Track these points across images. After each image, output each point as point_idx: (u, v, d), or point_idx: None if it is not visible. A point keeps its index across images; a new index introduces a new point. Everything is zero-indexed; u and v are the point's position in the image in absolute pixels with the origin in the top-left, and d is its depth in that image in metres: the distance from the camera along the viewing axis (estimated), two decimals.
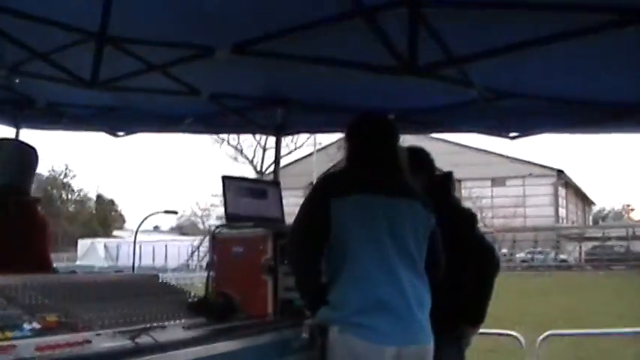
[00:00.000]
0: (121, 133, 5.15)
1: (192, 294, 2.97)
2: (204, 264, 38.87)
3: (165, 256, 41.79)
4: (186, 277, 31.18)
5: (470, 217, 3.48)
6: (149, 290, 2.80)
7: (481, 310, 3.37)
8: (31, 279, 2.44)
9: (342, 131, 5.67)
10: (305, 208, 2.79)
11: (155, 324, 2.28)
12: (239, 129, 6.36)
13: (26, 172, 3.24)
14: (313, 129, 5.57)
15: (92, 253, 41.59)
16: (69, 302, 2.33)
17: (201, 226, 63.15)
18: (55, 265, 3.33)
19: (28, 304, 2.18)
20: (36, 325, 2.00)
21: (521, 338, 5.16)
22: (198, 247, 45.72)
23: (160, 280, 3.06)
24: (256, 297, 3.05)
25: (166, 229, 69.52)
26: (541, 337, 5.17)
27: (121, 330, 2.10)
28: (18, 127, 4.96)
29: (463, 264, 3.23)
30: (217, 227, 3.42)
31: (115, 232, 58.79)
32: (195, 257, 44.16)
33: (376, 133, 2.90)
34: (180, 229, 65.36)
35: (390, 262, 2.63)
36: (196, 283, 29.99)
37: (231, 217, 3.43)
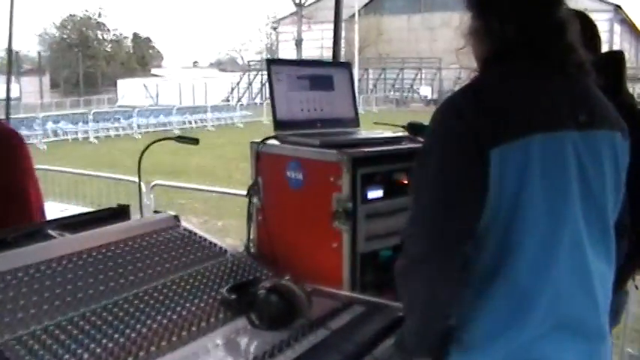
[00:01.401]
0: None
1: (229, 259, 1.99)
2: (244, 101, 38.38)
3: (205, 93, 41.11)
4: (227, 116, 30.41)
5: None
6: (165, 260, 1.82)
7: None
8: None
9: None
10: (438, 175, 1.42)
11: None
12: None
13: None
14: None
15: (132, 93, 41.16)
16: (38, 315, 1.38)
17: (240, 61, 62.13)
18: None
19: None
20: None
21: None
22: (237, 84, 44.97)
23: (182, 230, 2.06)
24: (324, 255, 2.05)
25: (205, 65, 68.66)
26: None
27: None
28: None
29: None
30: (263, 140, 2.35)
31: (154, 71, 58.05)
32: (235, 94, 43.57)
33: (541, 3, 1.50)
34: (219, 65, 64.43)
35: (581, 247, 1.45)
36: (237, 123, 29.52)
37: (283, 125, 2.34)
